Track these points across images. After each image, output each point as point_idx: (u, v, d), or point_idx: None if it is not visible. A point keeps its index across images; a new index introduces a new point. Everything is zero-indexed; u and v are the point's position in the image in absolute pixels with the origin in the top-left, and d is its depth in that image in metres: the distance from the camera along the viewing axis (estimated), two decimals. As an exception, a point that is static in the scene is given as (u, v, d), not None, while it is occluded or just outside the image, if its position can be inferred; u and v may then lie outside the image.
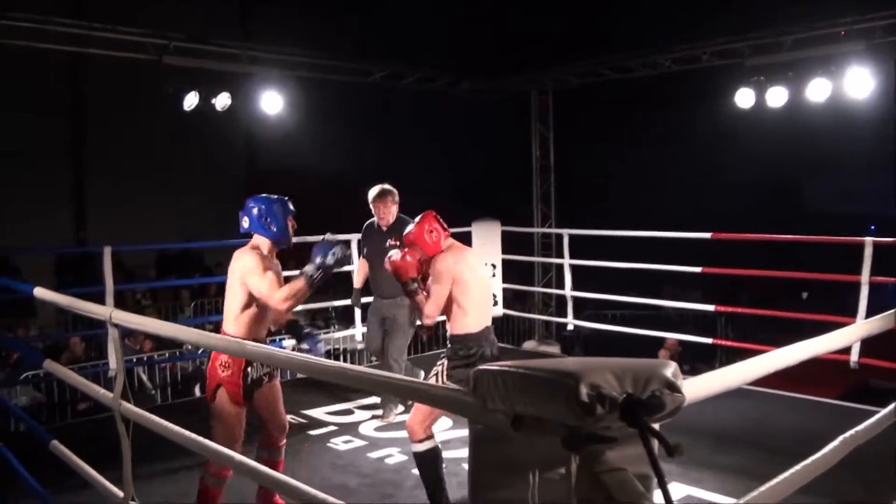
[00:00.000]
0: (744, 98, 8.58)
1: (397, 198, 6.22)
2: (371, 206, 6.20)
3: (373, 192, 6.21)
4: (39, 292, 4.03)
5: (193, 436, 2.66)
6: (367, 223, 6.37)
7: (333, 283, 11.77)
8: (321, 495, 1.99)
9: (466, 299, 4.24)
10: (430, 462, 4.22)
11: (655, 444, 1.30)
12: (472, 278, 4.28)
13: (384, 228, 6.18)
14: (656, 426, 1.36)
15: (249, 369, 3.91)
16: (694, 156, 16.33)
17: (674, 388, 1.38)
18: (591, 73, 10.46)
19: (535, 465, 1.55)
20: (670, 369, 1.44)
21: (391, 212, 6.16)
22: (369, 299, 6.46)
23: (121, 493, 3.02)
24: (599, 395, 1.26)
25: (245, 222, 4.09)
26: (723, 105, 9.17)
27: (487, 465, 1.58)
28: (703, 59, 9.20)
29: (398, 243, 5.28)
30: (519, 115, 11.87)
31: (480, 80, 11.35)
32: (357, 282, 6.59)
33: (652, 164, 16.85)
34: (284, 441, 4.30)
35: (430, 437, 4.23)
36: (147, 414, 2.91)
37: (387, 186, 6.23)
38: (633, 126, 16.72)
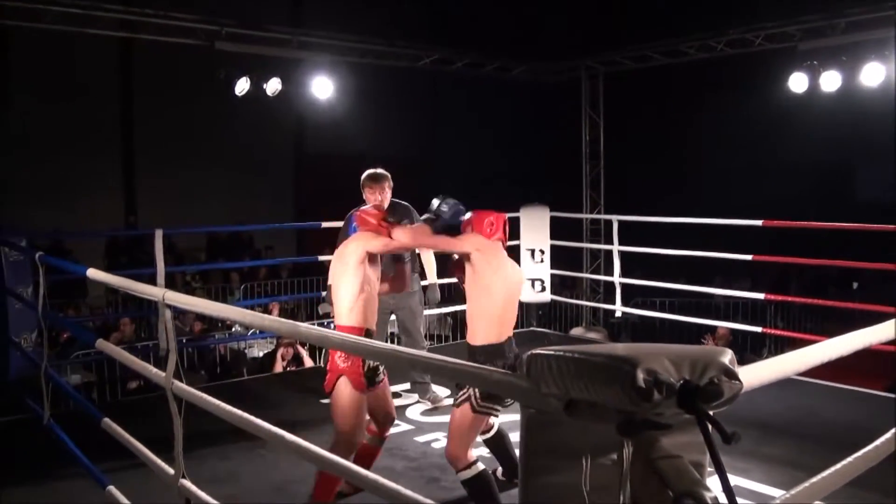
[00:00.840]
0: (797, 83, 8.43)
1: (391, 182, 5.70)
2: (363, 191, 5.63)
3: (366, 175, 5.66)
4: (93, 273, 4.11)
5: (243, 414, 2.69)
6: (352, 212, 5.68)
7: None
8: (374, 476, 2.00)
9: (492, 301, 3.93)
10: (482, 486, 3.99)
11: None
12: (497, 278, 3.95)
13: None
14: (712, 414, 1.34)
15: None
16: (746, 142, 16.08)
17: (732, 375, 1.36)
18: (642, 57, 10.35)
19: (587, 450, 1.54)
20: (727, 356, 1.42)
21: (387, 197, 5.64)
22: None
23: (172, 471, 3.06)
24: (656, 380, 1.25)
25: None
26: (776, 90, 9.01)
27: (538, 450, 1.57)
28: (756, 43, 9.05)
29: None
30: (569, 101, 11.79)
31: (530, 65, 11.29)
32: None
33: (703, 150, 16.62)
34: (389, 432, 4.40)
35: (475, 462, 3.97)
36: (198, 393, 2.96)
37: (380, 170, 5.71)
38: (685, 111, 16.48)
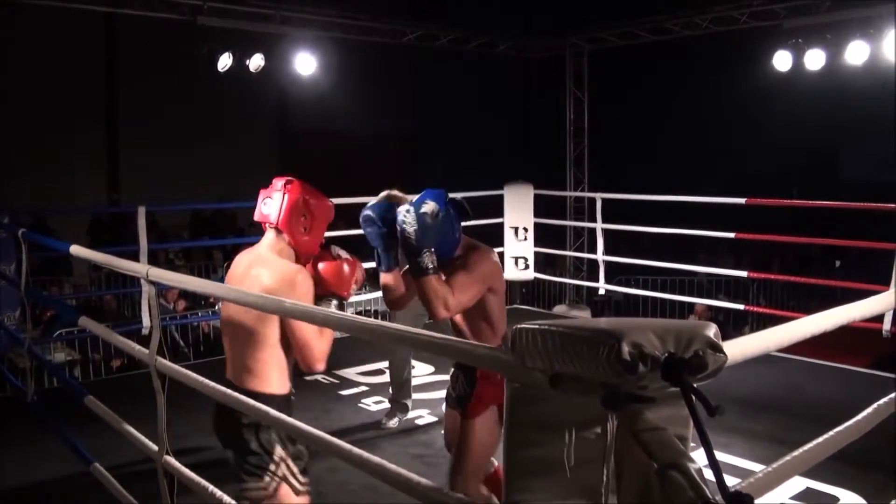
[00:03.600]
0: (781, 61, 8.45)
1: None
2: None
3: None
4: (76, 250, 4.08)
5: (227, 391, 2.68)
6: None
7: (362, 246, 11.81)
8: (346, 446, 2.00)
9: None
10: None
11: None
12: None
13: None
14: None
15: None
16: (730, 120, 16.13)
17: (716, 348, 1.36)
18: (627, 34, 10.32)
19: (571, 424, 1.54)
20: (712, 330, 1.42)
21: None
22: None
23: (155, 447, 3.05)
24: (641, 353, 1.25)
25: None
26: (761, 68, 9.02)
27: (522, 424, 1.57)
28: (741, 21, 9.05)
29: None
30: (553, 78, 11.76)
31: (515, 41, 11.24)
32: None
33: (687, 128, 16.66)
34: None
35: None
36: (182, 369, 2.95)
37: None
38: (670, 89, 16.49)
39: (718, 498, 1.21)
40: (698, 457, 1.29)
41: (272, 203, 3.05)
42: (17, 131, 12.75)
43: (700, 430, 1.25)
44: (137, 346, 3.32)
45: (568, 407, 1.52)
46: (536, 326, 1.39)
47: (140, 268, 3.09)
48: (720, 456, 4.71)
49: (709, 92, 15.91)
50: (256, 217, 3.12)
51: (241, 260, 3.15)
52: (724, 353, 1.39)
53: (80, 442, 4.15)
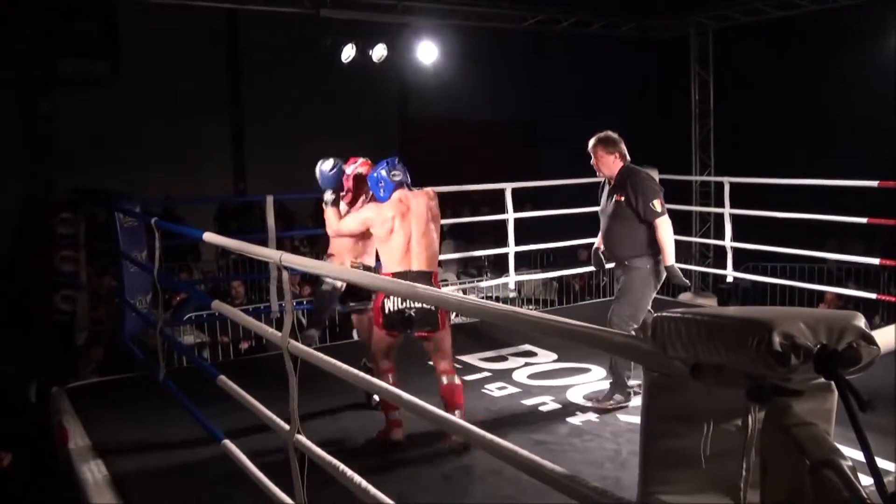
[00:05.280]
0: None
1: (615, 147, 5.31)
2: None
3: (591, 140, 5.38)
4: (209, 237, 4.23)
5: (358, 373, 2.73)
6: None
7: (483, 232, 11.84)
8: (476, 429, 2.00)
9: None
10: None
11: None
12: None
13: (610, 182, 5.39)
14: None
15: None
16: (863, 99, 15.33)
17: (869, 339, 1.30)
18: (754, 10, 9.95)
19: (710, 415, 1.50)
20: (861, 320, 1.36)
21: (603, 163, 5.32)
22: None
23: (287, 426, 3.12)
24: (794, 344, 1.20)
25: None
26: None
27: (660, 414, 1.54)
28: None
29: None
30: (677, 59, 11.48)
31: (636, 22, 11.01)
32: (597, 240, 5.73)
33: (818, 108, 15.94)
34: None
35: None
36: (314, 352, 3.01)
37: (602, 134, 5.35)
38: (799, 67, 15.82)
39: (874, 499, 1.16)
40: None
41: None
42: (147, 125, 13.28)
43: (857, 428, 1.20)
44: (270, 329, 3.41)
45: (708, 398, 1.48)
46: (679, 315, 1.35)
47: (273, 254, 3.18)
48: (851, 453, 4.49)
49: (841, 69, 15.18)
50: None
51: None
52: (877, 345, 1.33)
53: (210, 420, 4.30)
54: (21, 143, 12.20)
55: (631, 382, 5.17)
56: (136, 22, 12.07)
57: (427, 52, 8.86)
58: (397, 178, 4.61)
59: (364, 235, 4.83)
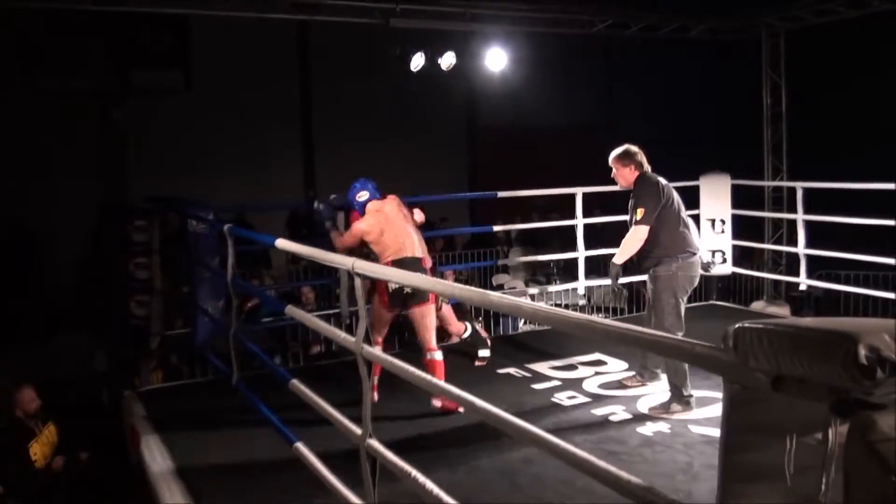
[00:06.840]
0: None
1: (630, 160, 5.59)
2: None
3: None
4: (282, 243, 4.29)
5: (431, 378, 2.75)
6: None
7: (551, 236, 11.74)
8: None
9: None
10: None
11: None
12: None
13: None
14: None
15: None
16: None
17: (956, 352, 1.27)
18: (825, 11, 9.71)
19: (791, 428, 1.48)
20: (947, 333, 1.33)
21: (620, 175, 5.64)
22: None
23: (359, 431, 3.15)
24: (879, 357, 1.18)
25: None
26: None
27: (741, 427, 1.52)
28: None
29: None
30: (748, 62, 11.28)
31: (706, 25, 10.84)
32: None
33: (892, 110, 15.50)
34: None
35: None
36: (388, 357, 3.03)
37: (620, 148, 5.68)
38: (874, 69, 15.41)
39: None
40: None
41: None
42: (219, 133, 13.54)
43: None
44: (343, 335, 3.45)
45: (788, 410, 1.46)
46: (762, 326, 1.34)
47: (346, 260, 3.22)
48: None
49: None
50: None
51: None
52: (965, 359, 1.30)
53: (283, 423, 4.36)
54: (97, 151, 12.53)
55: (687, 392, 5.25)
56: (208, 32, 12.31)
57: (496, 58, 8.88)
58: (364, 199, 5.66)
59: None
